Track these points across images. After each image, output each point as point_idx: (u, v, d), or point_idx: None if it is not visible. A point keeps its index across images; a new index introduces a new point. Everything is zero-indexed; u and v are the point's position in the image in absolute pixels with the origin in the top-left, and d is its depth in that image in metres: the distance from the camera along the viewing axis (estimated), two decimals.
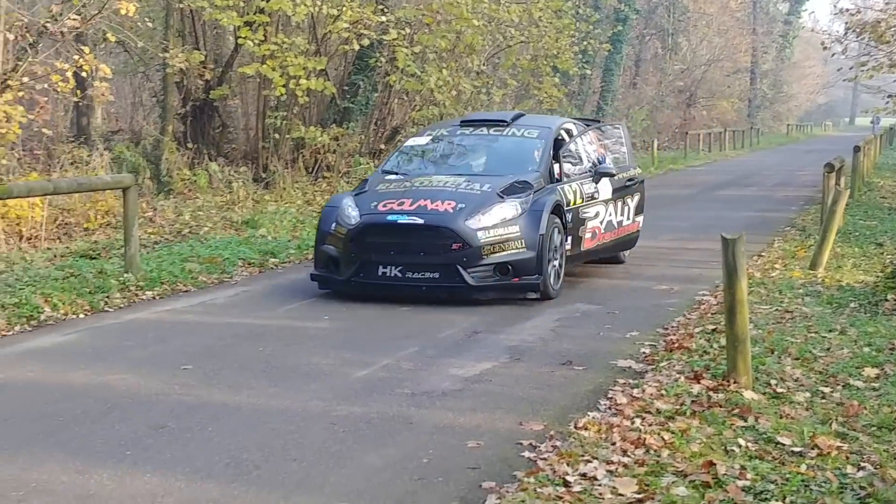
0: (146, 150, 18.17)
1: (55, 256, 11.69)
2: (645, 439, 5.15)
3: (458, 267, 8.66)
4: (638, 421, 5.46)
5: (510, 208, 9.03)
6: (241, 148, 20.68)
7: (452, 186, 9.35)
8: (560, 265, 9.33)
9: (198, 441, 5.22)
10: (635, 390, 6.08)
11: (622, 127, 12.51)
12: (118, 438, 5.22)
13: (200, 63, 18.16)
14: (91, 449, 5.06)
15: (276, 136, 19.17)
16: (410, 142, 11.31)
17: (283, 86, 17.27)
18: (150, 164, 17.29)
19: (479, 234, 8.75)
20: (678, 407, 5.68)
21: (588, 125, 11.77)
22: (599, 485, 4.51)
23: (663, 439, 5.15)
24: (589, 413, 5.67)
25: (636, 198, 11.57)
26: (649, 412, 5.62)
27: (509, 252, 8.83)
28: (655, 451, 4.97)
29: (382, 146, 21.69)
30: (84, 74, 14.07)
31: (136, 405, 5.82)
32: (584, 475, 4.63)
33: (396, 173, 10.17)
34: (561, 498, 4.35)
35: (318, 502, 4.42)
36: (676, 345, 7.25)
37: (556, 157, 10.12)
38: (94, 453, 4.99)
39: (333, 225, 9.18)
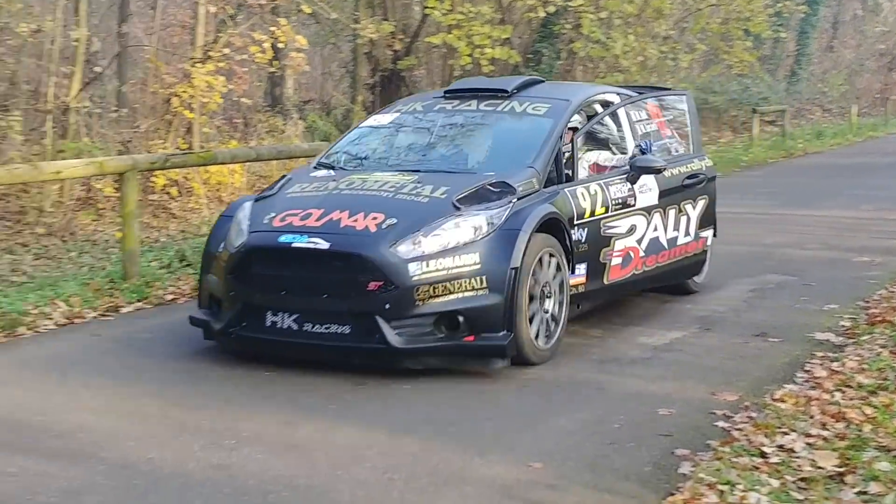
0: (337, 120, 18.75)
1: None
2: (845, 413, 4.99)
3: (377, 318, 5.66)
4: (838, 395, 5.30)
5: (469, 226, 5.90)
6: None
7: (390, 190, 6.26)
8: (558, 312, 6.24)
9: (396, 398, 5.41)
10: (835, 364, 5.89)
11: (686, 98, 8.67)
12: (321, 394, 5.47)
13: (389, 34, 18.56)
14: (296, 402, 5.32)
15: None
16: (369, 121, 7.85)
17: (469, 55, 17.43)
18: (340, 133, 17.81)
19: (412, 266, 5.69)
20: (881, 381, 5.47)
21: (641, 94, 8.17)
22: (798, 457, 4.41)
23: (865, 414, 4.98)
24: (785, 385, 5.53)
25: (701, 203, 7.97)
26: (850, 386, 5.44)
27: (460, 295, 5.76)
28: (857, 425, 4.81)
29: None
30: (280, 45, 14.62)
31: (337, 363, 6.07)
32: (781, 447, 4.54)
33: (333, 167, 7.02)
34: (758, 468, 4.28)
35: (512, 460, 4.51)
36: (879, 318, 6.96)
37: (576, 145, 6.89)
38: (299, 407, 5.24)
39: (222, 245, 6.33)
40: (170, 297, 7.97)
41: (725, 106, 27.67)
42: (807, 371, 5.84)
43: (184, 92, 13.27)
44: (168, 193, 13.18)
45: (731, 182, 16.82)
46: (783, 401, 5.24)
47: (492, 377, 5.78)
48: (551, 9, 18.34)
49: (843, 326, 6.96)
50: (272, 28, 14.49)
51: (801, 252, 9.97)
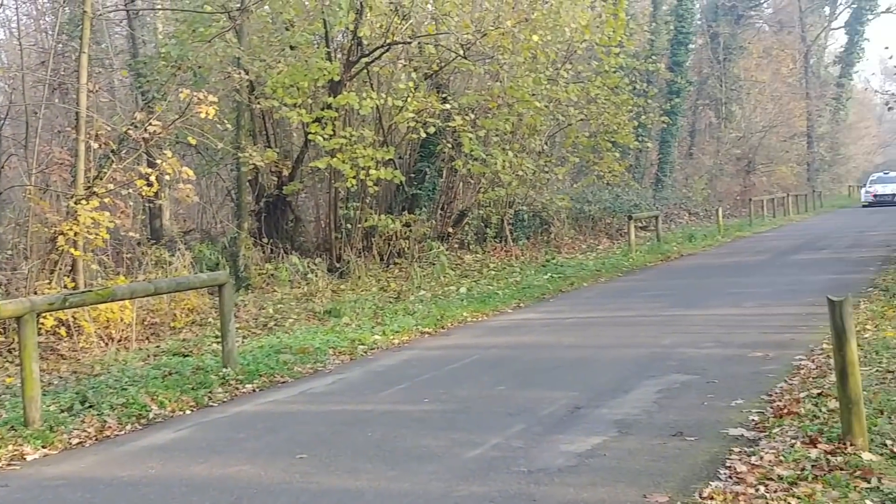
0: (224, 248, 18.61)
1: (148, 356, 11.98)
2: None
3: None
4: (762, 488, 5.46)
5: None
6: (312, 240, 21.09)
7: None
8: None
9: None
10: (753, 458, 6.07)
11: None
12: None
13: (273, 162, 18.72)
14: None
15: (349, 226, 19.54)
16: None
17: (354, 177, 17.67)
18: (227, 261, 17.68)
19: None
20: (799, 472, 5.67)
21: None
22: None
23: None
24: (711, 482, 5.66)
25: None
26: (771, 479, 5.62)
27: None
28: None
29: (450, 230, 21.99)
30: (167, 178, 14.53)
31: (261, 495, 5.93)
32: None
33: None
34: None
35: None
36: (785, 410, 7.21)
37: None
38: None
39: None
40: (76, 440, 7.69)
41: (600, 214, 28.61)
42: (728, 467, 5.98)
43: (69, 230, 13.00)
44: (56, 334, 12.76)
45: (617, 287, 17.32)
46: (712, 498, 5.36)
47: (423, 499, 5.74)
48: (431, 129, 18.81)
49: (752, 421, 7.17)
50: (158, 160, 14.44)
51: (699, 351, 10.27)
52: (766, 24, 56.76)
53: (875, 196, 46.29)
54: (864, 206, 46.27)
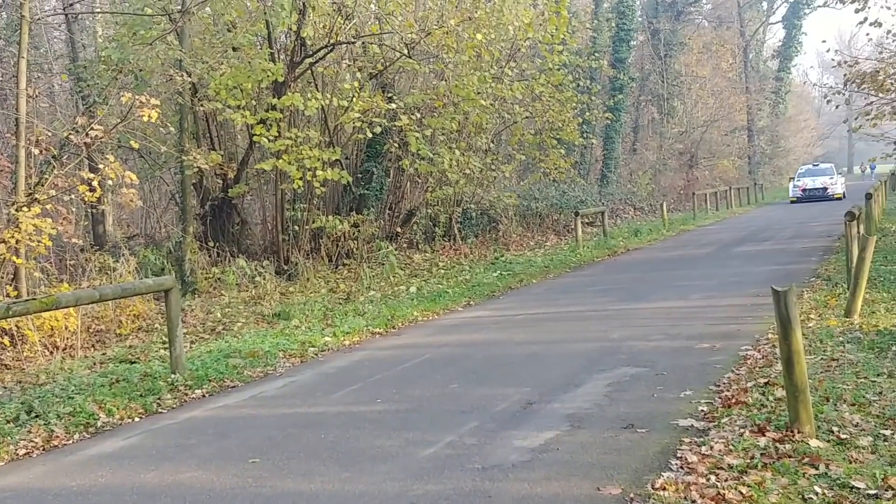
0: (169, 252, 18.42)
1: (95, 364, 11.82)
2: (724, 495, 5.22)
3: None
4: (713, 478, 5.53)
5: None
6: (259, 242, 20.96)
7: None
8: None
9: None
10: (703, 448, 6.15)
11: None
12: None
13: (218, 164, 18.54)
14: None
15: (296, 227, 19.45)
16: None
17: (300, 178, 17.58)
18: (173, 266, 17.51)
19: None
20: (749, 461, 5.76)
21: None
22: None
23: (741, 493, 5.22)
24: (663, 473, 5.72)
25: None
26: (721, 468, 5.70)
27: None
28: None
29: (399, 229, 21.99)
30: (110, 182, 14.34)
31: (214, 501, 5.88)
32: None
33: None
34: None
35: None
36: (733, 400, 7.32)
37: None
38: None
39: None
40: (22, 451, 7.57)
41: (547, 211, 28.77)
42: (679, 458, 6.05)
43: (11, 238, 12.77)
44: None
45: (565, 282, 17.43)
46: (664, 489, 5.42)
47: (378, 500, 5.73)
48: (377, 129, 18.78)
49: (702, 411, 7.25)
50: (100, 165, 14.25)
51: (647, 344, 10.36)
52: (706, 19, 57.53)
53: (804, 190, 43.11)
54: (791, 202, 42.95)
